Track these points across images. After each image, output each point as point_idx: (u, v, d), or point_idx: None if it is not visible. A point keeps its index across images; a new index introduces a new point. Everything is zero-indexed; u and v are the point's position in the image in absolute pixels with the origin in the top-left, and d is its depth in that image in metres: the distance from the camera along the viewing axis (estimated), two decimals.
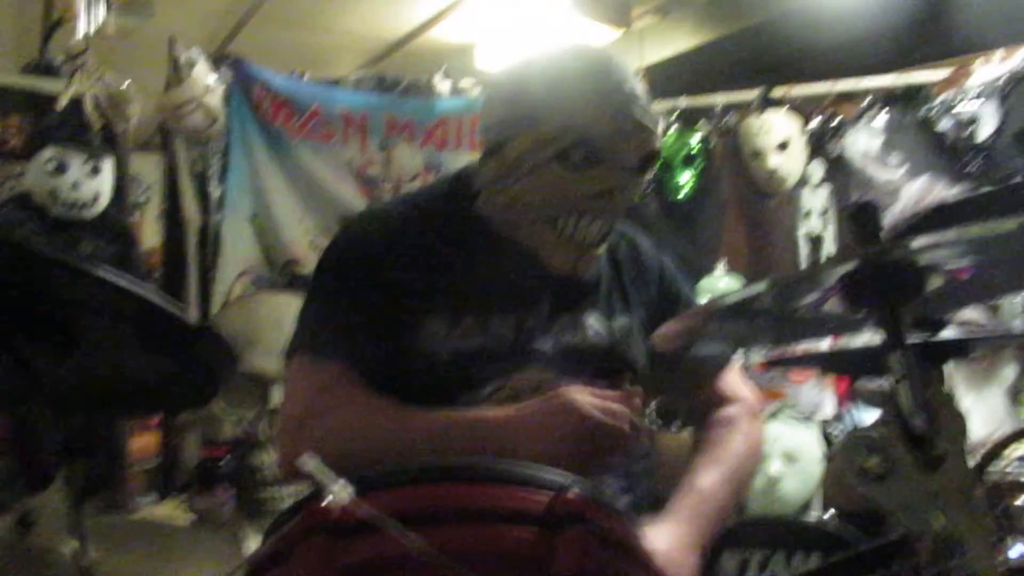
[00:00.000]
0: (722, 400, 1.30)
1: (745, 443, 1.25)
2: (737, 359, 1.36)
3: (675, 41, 3.84)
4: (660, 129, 1.15)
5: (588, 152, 1.10)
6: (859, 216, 0.84)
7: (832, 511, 2.43)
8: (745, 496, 1.26)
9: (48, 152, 2.65)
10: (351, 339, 1.11)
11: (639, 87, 1.13)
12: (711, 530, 1.11)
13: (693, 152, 3.43)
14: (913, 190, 3.05)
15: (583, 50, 1.18)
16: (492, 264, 1.15)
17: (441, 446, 1.03)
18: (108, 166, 2.77)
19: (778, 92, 3.28)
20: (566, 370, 1.13)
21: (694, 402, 1.32)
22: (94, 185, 2.71)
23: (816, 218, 3.26)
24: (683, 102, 3.48)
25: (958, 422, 0.76)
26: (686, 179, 3.43)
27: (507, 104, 1.15)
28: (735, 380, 1.33)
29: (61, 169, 2.65)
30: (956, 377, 2.71)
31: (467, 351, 1.11)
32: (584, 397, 1.02)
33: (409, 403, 1.10)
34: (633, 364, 1.21)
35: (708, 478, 1.16)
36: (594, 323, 1.19)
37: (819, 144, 3.26)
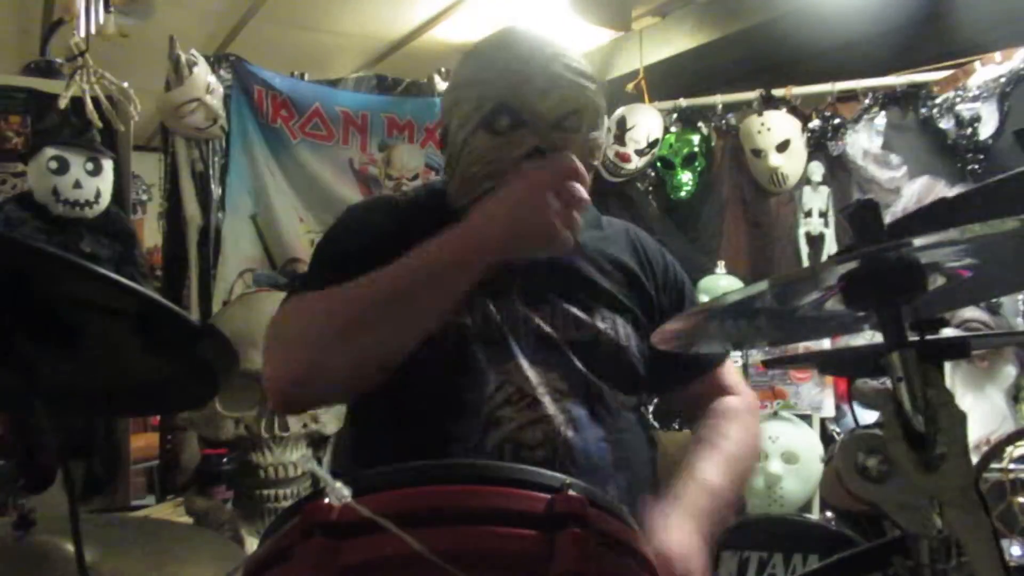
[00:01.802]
0: (719, 392, 1.31)
1: (745, 434, 1.25)
2: (732, 354, 1.36)
3: (675, 42, 3.85)
4: (588, 86, 1.17)
5: (509, 115, 1.14)
6: (859, 216, 0.84)
7: (832, 511, 2.44)
8: (745, 489, 1.25)
9: (49, 152, 2.65)
10: (328, 275, 1.12)
11: (559, 50, 1.16)
12: (718, 522, 1.10)
13: (693, 152, 3.44)
14: (913, 190, 3.05)
15: (501, 29, 1.23)
16: None
17: (406, 278, 1.03)
18: (108, 166, 2.77)
19: (778, 92, 3.28)
20: (557, 357, 1.14)
21: (690, 396, 1.32)
22: (95, 185, 2.72)
23: (816, 218, 3.26)
24: (683, 102, 3.48)
25: (958, 422, 0.76)
26: (686, 179, 3.44)
27: (448, 92, 1.22)
28: (731, 373, 1.34)
29: (62, 169, 2.66)
30: (956, 377, 2.72)
31: (456, 325, 1.13)
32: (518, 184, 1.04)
33: (408, 385, 1.11)
34: (624, 359, 1.20)
35: (712, 469, 1.15)
36: (582, 316, 1.18)
37: (819, 144, 3.26)
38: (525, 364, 1.13)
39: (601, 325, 1.19)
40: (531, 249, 1.05)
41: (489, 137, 1.14)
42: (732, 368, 1.35)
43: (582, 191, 1.04)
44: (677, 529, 1.04)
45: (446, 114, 1.21)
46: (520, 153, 1.13)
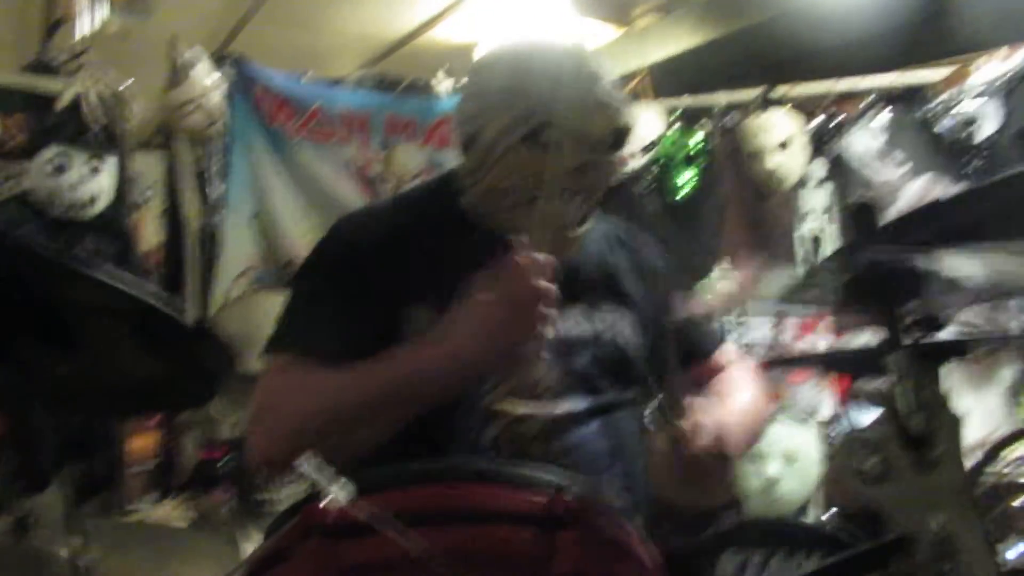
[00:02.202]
0: (722, 368, 1.36)
1: (751, 393, 1.31)
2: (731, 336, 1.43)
3: (676, 40, 3.84)
4: (625, 107, 1.19)
5: (555, 131, 1.13)
6: (859, 216, 0.84)
7: (831, 511, 2.44)
8: (759, 438, 1.31)
9: (49, 152, 2.65)
10: (319, 334, 1.14)
11: (599, 68, 1.17)
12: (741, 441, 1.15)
13: (693, 152, 3.43)
14: (913, 190, 3.05)
15: (541, 41, 1.23)
16: (474, 255, 1.16)
17: (389, 388, 1.05)
18: (109, 166, 2.77)
19: (778, 92, 3.28)
20: (557, 362, 1.15)
21: (698, 376, 1.35)
22: (95, 185, 2.72)
23: (816, 217, 3.26)
24: (683, 102, 3.48)
25: (955, 423, 0.76)
26: (686, 179, 3.43)
27: (475, 98, 1.20)
28: (731, 352, 1.40)
29: (62, 169, 2.65)
30: (955, 377, 2.72)
31: None
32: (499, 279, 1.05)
33: None
34: (621, 356, 1.22)
35: (720, 411, 1.17)
36: (580, 316, 1.21)
37: (819, 144, 3.26)
38: (523, 360, 1.13)
39: (600, 323, 1.21)
40: (504, 362, 1.07)
41: (532, 152, 1.13)
42: (732, 347, 1.42)
43: (551, 288, 1.03)
44: (710, 413, 1.09)
45: (472, 120, 1.18)
46: (564, 169, 1.12)
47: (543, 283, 1.02)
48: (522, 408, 1.12)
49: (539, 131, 1.13)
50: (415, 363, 1.05)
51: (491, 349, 1.03)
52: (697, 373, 1.34)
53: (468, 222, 1.21)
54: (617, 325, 1.24)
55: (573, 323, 1.20)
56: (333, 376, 1.09)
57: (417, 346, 1.07)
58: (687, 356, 1.31)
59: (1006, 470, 1.65)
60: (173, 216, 3.01)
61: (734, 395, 1.29)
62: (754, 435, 1.26)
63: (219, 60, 3.09)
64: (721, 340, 1.39)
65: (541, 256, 1.03)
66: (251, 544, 2.01)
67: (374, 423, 1.06)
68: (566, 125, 1.13)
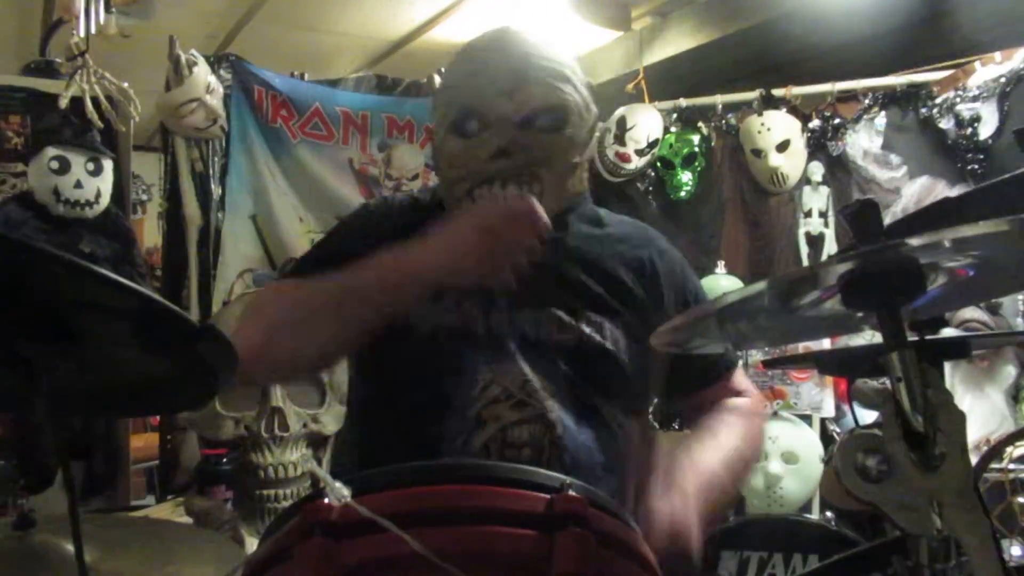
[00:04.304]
0: (730, 395, 1.31)
1: (748, 430, 1.25)
2: (740, 358, 1.36)
3: (675, 42, 3.84)
4: (558, 85, 1.17)
5: (475, 118, 1.16)
6: (859, 215, 0.84)
7: (832, 511, 2.44)
8: (745, 486, 1.25)
9: (50, 152, 2.65)
10: (306, 260, 1.23)
11: (530, 50, 1.17)
12: (711, 504, 1.09)
13: (693, 152, 3.44)
14: (913, 190, 3.05)
15: (482, 33, 1.25)
16: None
17: (337, 294, 1.08)
18: (109, 166, 2.77)
19: (778, 92, 3.28)
20: (543, 359, 1.14)
21: (704, 400, 1.31)
22: (95, 185, 2.72)
23: (816, 218, 3.26)
24: (683, 102, 3.48)
25: (957, 422, 0.76)
26: (686, 179, 3.44)
27: (432, 99, 1.28)
28: (742, 378, 1.34)
29: (63, 169, 2.66)
30: (956, 377, 2.72)
31: (444, 327, 1.14)
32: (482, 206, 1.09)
33: (399, 385, 1.14)
34: (609, 362, 1.18)
35: (710, 456, 1.15)
36: (565, 318, 1.17)
37: (819, 144, 3.26)
38: (511, 365, 1.13)
39: (586, 328, 1.17)
40: (465, 283, 1.07)
41: (458, 141, 1.17)
42: (742, 373, 1.35)
43: (530, 236, 1.03)
44: (669, 498, 1.04)
45: (431, 118, 1.26)
46: (486, 155, 1.14)
47: (523, 227, 1.03)
48: (511, 415, 1.11)
49: (461, 120, 1.17)
50: (371, 265, 1.07)
51: (443, 265, 1.04)
52: (709, 396, 1.30)
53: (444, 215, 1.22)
54: (607, 330, 1.18)
55: (556, 327, 1.16)
56: (306, 281, 1.14)
57: (379, 253, 1.08)
58: (689, 382, 1.29)
59: (1009, 468, 1.65)
60: (173, 215, 3.01)
61: (721, 438, 1.21)
62: (734, 484, 1.19)
63: (219, 60, 3.10)
64: (729, 366, 1.32)
65: (536, 208, 1.03)
66: (252, 543, 2.02)
67: (330, 324, 1.09)
68: (481, 110, 1.15)
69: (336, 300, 1.08)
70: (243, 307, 1.25)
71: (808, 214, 3.27)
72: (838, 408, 2.96)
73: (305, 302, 1.12)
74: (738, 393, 1.31)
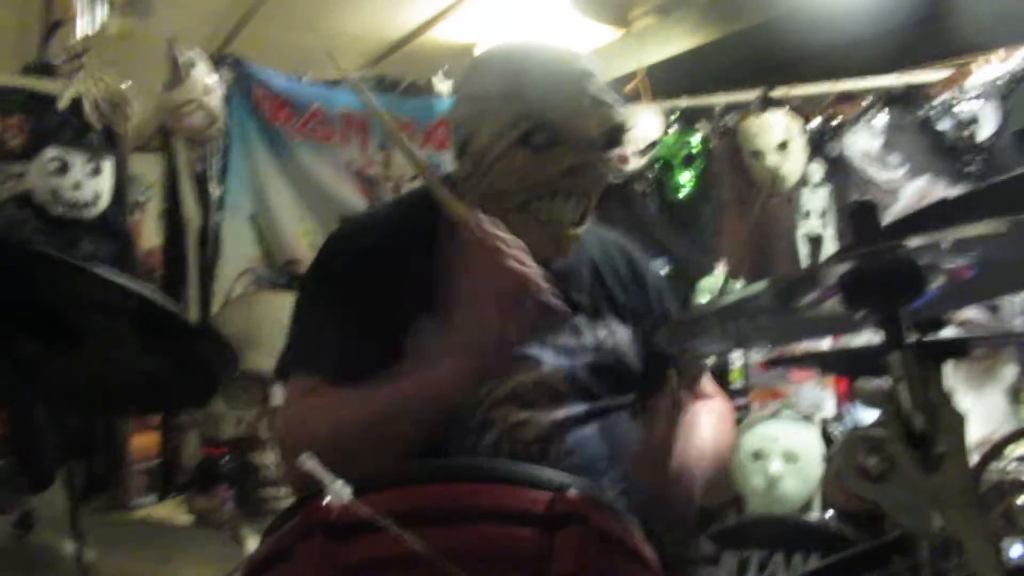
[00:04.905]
0: (696, 398, 1.32)
1: (717, 430, 1.26)
2: (733, 354, 1.39)
3: (675, 41, 3.84)
4: (618, 106, 1.18)
5: (548, 133, 1.13)
6: (859, 216, 0.84)
7: (832, 511, 2.43)
8: (719, 477, 1.26)
9: (50, 152, 2.65)
10: (331, 353, 1.14)
11: (591, 68, 1.17)
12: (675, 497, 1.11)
13: (693, 152, 3.43)
14: (913, 190, 3.05)
15: (534, 42, 1.23)
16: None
17: (404, 408, 1.06)
18: (108, 166, 2.77)
19: (778, 92, 3.28)
20: (558, 369, 1.15)
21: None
22: (95, 185, 2.72)
23: (816, 218, 3.26)
24: (683, 102, 3.48)
25: (958, 422, 0.76)
26: (686, 179, 3.43)
27: (469, 101, 1.20)
28: (708, 383, 1.37)
29: (63, 169, 2.66)
30: (956, 377, 2.71)
31: None
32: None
33: None
34: (620, 363, 1.22)
35: (684, 448, 1.15)
36: (581, 323, 1.20)
37: (819, 144, 3.26)
38: (519, 365, 1.14)
39: (600, 331, 1.20)
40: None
41: (526, 154, 1.14)
42: (709, 378, 1.38)
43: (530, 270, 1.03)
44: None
45: (467, 124, 1.19)
46: (558, 170, 1.13)
47: (521, 267, 1.02)
48: (519, 414, 1.12)
49: (533, 133, 1.13)
50: (415, 389, 1.05)
51: (489, 348, 1.03)
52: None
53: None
54: (618, 333, 1.23)
55: (574, 331, 1.19)
56: (342, 401, 1.09)
57: (421, 368, 1.07)
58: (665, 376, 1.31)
59: (1008, 469, 1.65)
60: (173, 216, 3.01)
61: (696, 434, 1.21)
62: (707, 475, 1.18)
63: (219, 60, 3.10)
64: (702, 366, 1.36)
65: (509, 239, 1.03)
66: (252, 543, 2.01)
67: (394, 439, 1.06)
68: (559, 126, 1.13)
69: (384, 421, 1.06)
70: (290, 429, 1.17)
71: (807, 215, 3.27)
72: (838, 408, 2.96)
73: (351, 426, 1.07)
74: (706, 396, 1.35)
